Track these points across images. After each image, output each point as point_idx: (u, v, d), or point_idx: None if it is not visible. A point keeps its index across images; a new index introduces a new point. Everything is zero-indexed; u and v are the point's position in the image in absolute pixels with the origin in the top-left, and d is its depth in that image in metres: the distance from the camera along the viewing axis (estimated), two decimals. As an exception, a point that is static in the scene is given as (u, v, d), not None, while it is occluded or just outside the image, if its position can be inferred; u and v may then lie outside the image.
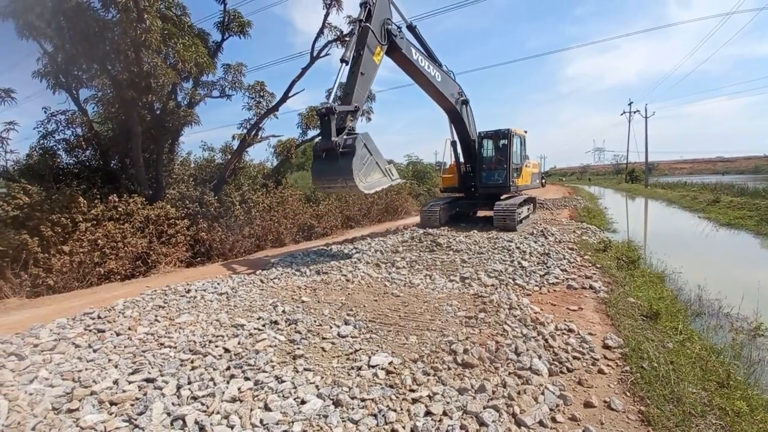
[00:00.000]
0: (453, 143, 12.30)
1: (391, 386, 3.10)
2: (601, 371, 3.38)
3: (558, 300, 5.27)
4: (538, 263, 7.01)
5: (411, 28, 9.92)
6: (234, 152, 12.27)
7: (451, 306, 4.86)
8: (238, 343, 4.02)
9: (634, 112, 46.35)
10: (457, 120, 11.51)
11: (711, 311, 5.71)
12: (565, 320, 4.44)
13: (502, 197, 12.08)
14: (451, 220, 12.26)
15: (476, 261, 7.20)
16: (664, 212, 20.60)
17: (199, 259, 9.02)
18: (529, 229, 10.73)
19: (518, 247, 8.10)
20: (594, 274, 6.37)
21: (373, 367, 3.39)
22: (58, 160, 9.59)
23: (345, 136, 7.08)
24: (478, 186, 12.19)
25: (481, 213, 13.36)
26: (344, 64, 7.54)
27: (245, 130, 12.55)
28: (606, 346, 3.86)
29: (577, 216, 14.52)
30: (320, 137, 7.38)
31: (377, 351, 3.70)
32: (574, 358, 3.60)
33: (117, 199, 8.10)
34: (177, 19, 11.01)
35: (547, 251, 7.74)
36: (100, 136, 10.21)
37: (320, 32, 12.58)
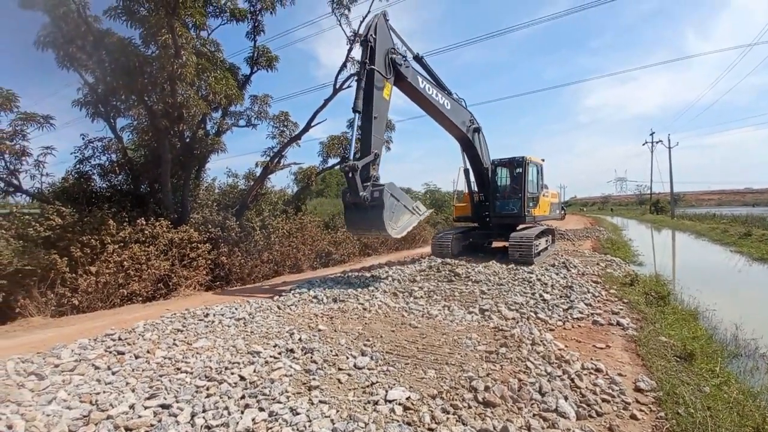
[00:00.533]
0: (466, 171, 12.13)
1: (408, 424, 2.98)
2: (633, 416, 3.17)
3: (583, 336, 5.05)
4: (560, 296, 6.78)
5: (418, 59, 9.97)
6: (257, 179, 12.64)
7: (470, 339, 4.71)
8: (254, 371, 3.98)
9: (657, 142, 45.71)
10: (469, 148, 11.39)
11: (747, 352, 5.33)
12: (591, 359, 4.23)
13: (518, 228, 11.80)
14: (464, 250, 11.83)
15: (496, 292, 7.03)
16: (693, 245, 19.79)
17: (218, 282, 9.13)
18: (549, 261, 10.45)
19: (539, 279, 7.89)
20: (621, 309, 6.10)
21: (390, 401, 3.28)
22: (92, 184, 10.08)
23: (372, 189, 7.43)
24: (491, 216, 11.83)
25: (496, 244, 12.89)
26: (357, 115, 7.73)
27: (268, 158, 12.96)
28: (638, 389, 3.64)
29: (600, 248, 14.11)
30: (348, 191, 7.66)
31: (394, 385, 3.59)
32: (604, 400, 3.39)
33: (144, 222, 8.38)
34: (210, 54, 11.73)
35: (569, 284, 7.50)
36: (132, 162, 10.73)
37: (343, 66, 13.10)
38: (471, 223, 12.87)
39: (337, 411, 3.18)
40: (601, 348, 4.61)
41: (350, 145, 8.04)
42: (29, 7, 8.72)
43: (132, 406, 3.31)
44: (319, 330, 5.24)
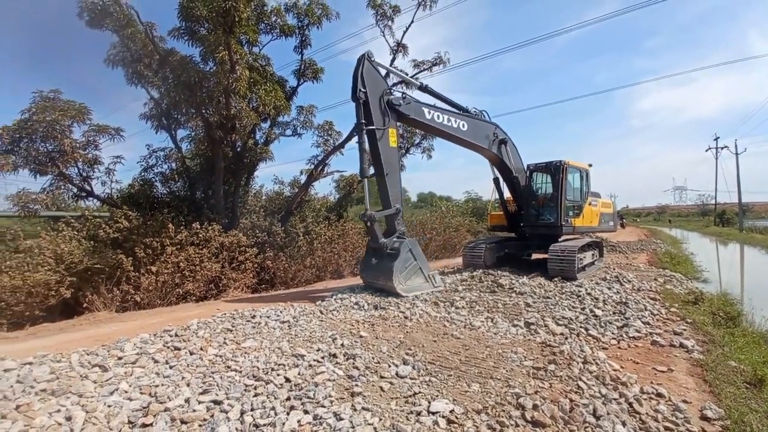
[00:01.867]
0: (495, 180, 11.42)
1: (452, 437, 2.91)
2: (701, 449, 2.89)
3: (641, 357, 4.69)
4: (614, 313, 6.36)
5: (423, 88, 9.61)
6: (301, 186, 13.10)
7: (516, 354, 4.54)
8: (299, 374, 4.08)
9: (722, 148, 41.90)
10: (498, 162, 10.69)
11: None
12: (652, 382, 3.92)
13: (559, 239, 11.08)
14: (498, 262, 11.10)
15: (542, 306, 6.72)
16: (766, 262, 17.84)
17: (263, 286, 9.52)
18: (600, 274, 9.84)
19: (589, 294, 7.45)
20: (684, 330, 5.61)
21: (433, 413, 3.22)
22: (155, 190, 10.95)
23: (394, 239, 7.66)
24: (526, 225, 11.01)
25: (536, 255, 11.83)
26: (366, 180, 7.79)
27: (312, 166, 13.40)
28: (704, 417, 3.32)
29: (657, 262, 13.09)
30: (370, 238, 7.99)
31: (437, 396, 3.53)
32: (666, 429, 3.13)
33: (199, 226, 8.94)
34: (261, 68, 12.39)
35: (624, 300, 7.02)
36: (190, 170, 11.53)
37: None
38: (507, 232, 12.15)
39: (380, 419, 3.18)
40: (663, 371, 4.26)
41: (365, 196, 7.82)
42: (96, 27, 9.58)
43: (187, 400, 3.50)
44: (361, 336, 5.28)
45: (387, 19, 12.85)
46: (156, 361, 4.50)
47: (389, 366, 4.23)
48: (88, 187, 9.27)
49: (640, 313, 6.29)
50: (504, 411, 3.27)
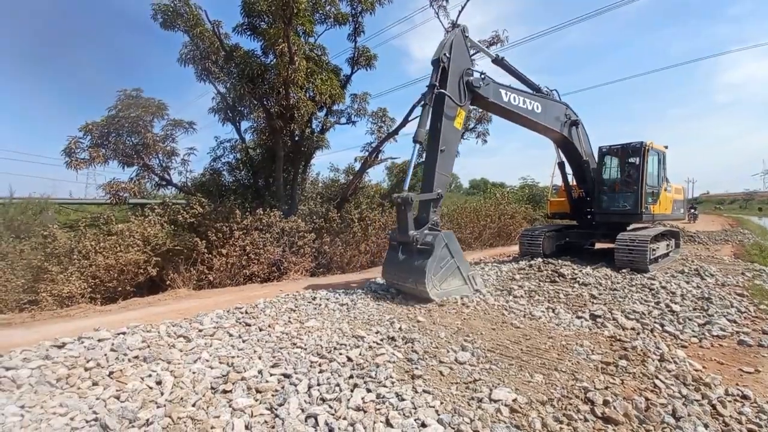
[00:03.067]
0: (560, 164, 10.69)
1: (517, 427, 2.88)
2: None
3: (726, 358, 4.27)
4: (694, 309, 5.82)
5: (498, 61, 9.03)
6: (356, 173, 13.36)
7: (582, 347, 4.34)
8: (359, 354, 4.24)
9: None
10: (566, 144, 9.98)
11: None
12: (737, 384, 3.57)
13: (628, 228, 10.21)
14: (558, 251, 10.54)
15: (609, 298, 6.33)
16: None
17: (321, 269, 9.94)
18: (677, 266, 9.00)
19: (664, 287, 6.87)
20: (779, 330, 4.99)
21: (495, 401, 3.20)
22: (222, 179, 11.79)
23: (426, 231, 6.53)
24: (597, 212, 10.20)
25: (600, 245, 11.15)
26: (417, 146, 6.88)
27: (367, 153, 13.57)
28: (796, 423, 2.97)
29: (744, 254, 11.66)
30: (396, 228, 6.75)
31: (498, 384, 3.49)
32: (750, 431, 2.85)
33: (261, 212, 9.50)
34: (317, 58, 12.68)
35: (706, 295, 6.38)
36: (252, 159, 12.25)
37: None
38: (569, 220, 11.46)
39: (441, 402, 3.22)
40: (749, 372, 3.85)
41: (407, 175, 7.09)
42: (169, 28, 10.33)
43: (260, 372, 3.80)
44: (418, 321, 5.35)
45: (441, 0, 12.47)
46: (231, 335, 4.92)
47: (448, 351, 4.25)
48: (167, 177, 10.23)
49: (725, 310, 5.69)
50: (571, 404, 3.16)
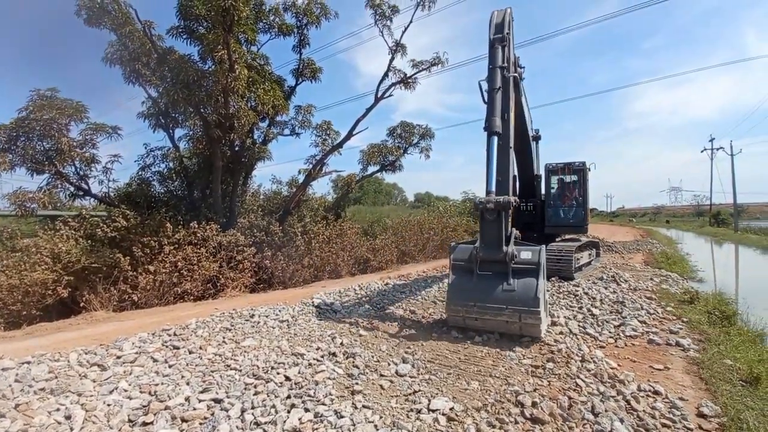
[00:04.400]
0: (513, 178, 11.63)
1: (453, 435, 2.94)
2: (698, 445, 2.93)
3: (638, 356, 4.74)
4: (611, 312, 6.42)
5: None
6: (299, 186, 13.10)
7: (514, 352, 4.57)
8: (299, 372, 4.09)
9: (717, 149, 42.14)
10: (525, 156, 10.38)
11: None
12: (649, 380, 3.97)
13: (557, 239, 11.17)
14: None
15: (540, 305, 6.78)
16: (759, 262, 18.02)
17: (261, 285, 9.50)
18: (597, 274, 9.92)
19: (586, 293, 7.52)
20: (680, 329, 5.66)
21: (433, 411, 3.25)
22: (152, 189, 10.90)
23: (522, 248, 5.15)
24: (547, 225, 10.99)
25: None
26: (496, 138, 5.73)
27: (311, 165, 13.40)
28: (701, 414, 3.36)
29: (653, 261, 13.19)
30: (481, 242, 5.30)
31: (437, 394, 3.55)
32: (664, 425, 3.17)
33: (197, 225, 8.91)
34: (260, 67, 12.38)
35: (620, 299, 7.08)
36: (187, 169, 11.51)
37: (385, 75, 13.34)
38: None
39: (381, 417, 3.19)
40: (659, 369, 4.31)
41: (489, 173, 5.56)
42: (94, 25, 9.50)
43: (188, 399, 3.50)
44: (360, 335, 5.30)
45: (386, 19, 12.87)
46: (155, 360, 4.50)
47: (389, 365, 4.25)
48: (85, 186, 9.22)
49: (637, 312, 6.35)
50: (503, 408, 3.30)
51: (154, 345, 4.92)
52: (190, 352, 4.67)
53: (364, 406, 3.34)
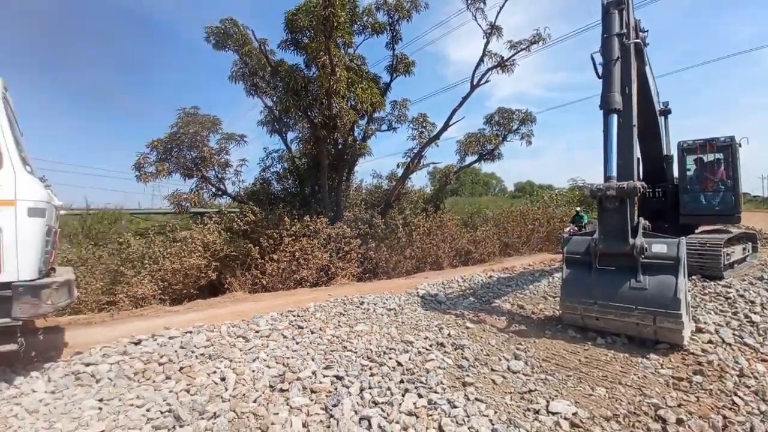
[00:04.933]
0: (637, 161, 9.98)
1: (578, 440, 2.76)
2: None
3: (822, 376, 3.79)
4: (779, 320, 5.22)
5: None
6: (398, 179, 13.46)
7: (648, 359, 4.05)
8: (409, 359, 4.26)
9: None
10: (653, 135, 8.87)
11: None
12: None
13: (696, 230, 9.21)
14: None
15: (677, 307, 5.86)
16: None
17: (367, 275, 10.09)
18: (755, 272, 8.12)
19: (742, 296, 6.24)
20: None
21: (553, 413, 3.08)
22: (271, 188, 12.37)
23: (653, 241, 4.57)
24: (681, 214, 9.21)
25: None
26: (615, 116, 5.11)
27: (409, 159, 13.63)
28: None
29: (843, 260, 10.27)
30: (601, 234, 4.82)
31: (556, 396, 3.36)
32: None
33: (309, 219, 9.84)
34: (357, 68, 12.98)
35: (794, 305, 5.71)
36: (299, 168, 12.76)
37: (480, 61, 12.81)
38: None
39: (495, 412, 3.16)
40: None
41: (608, 159, 4.97)
42: (221, 49, 11.03)
43: (314, 373, 3.93)
44: (467, 327, 5.27)
45: (478, 2, 12.31)
46: (285, 337, 5.13)
47: (500, 360, 4.16)
48: (222, 187, 10.93)
49: (819, 322, 5.05)
50: (640, 422, 2.96)
51: (282, 323, 5.62)
52: (312, 332, 5.22)
53: (476, 399, 3.34)
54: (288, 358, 4.36)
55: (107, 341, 5.27)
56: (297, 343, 4.82)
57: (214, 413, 3.22)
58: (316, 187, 12.41)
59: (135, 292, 7.59)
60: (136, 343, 4.96)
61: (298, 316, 5.96)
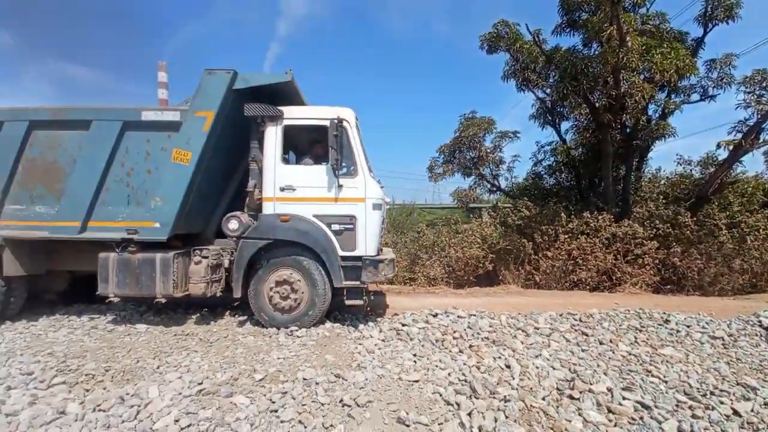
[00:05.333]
0: None
1: None
2: None
3: None
4: None
5: None
6: (720, 164, 9.99)
7: None
8: (752, 410, 3.21)
9: None
10: None
11: None
12: None
13: None
14: None
15: None
16: None
17: (668, 286, 8.15)
18: None
19: None
20: None
21: None
22: (543, 182, 12.01)
23: None
24: None
25: None
26: None
27: (739, 134, 9.86)
28: None
29: None
30: None
31: None
32: None
33: (588, 215, 8.92)
34: (654, 29, 10.49)
35: None
36: (574, 160, 11.72)
37: None
38: None
39: None
40: None
41: None
42: (493, 52, 11.32)
43: (610, 390, 3.60)
44: None
45: None
46: (567, 340, 4.95)
47: None
48: (497, 183, 11.58)
49: None
50: None
51: (563, 326, 5.43)
52: (601, 343, 4.78)
53: None
54: (574, 364, 4.20)
55: (413, 309, 6.70)
56: (583, 351, 4.56)
57: (504, 397, 3.49)
58: (596, 180, 11.03)
59: (428, 273, 9.28)
60: (434, 316, 6.07)
61: (581, 321, 5.60)
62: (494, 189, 11.71)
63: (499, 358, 4.55)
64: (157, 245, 5.38)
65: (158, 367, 4.22)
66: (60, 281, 6.46)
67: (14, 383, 3.70)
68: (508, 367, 4.25)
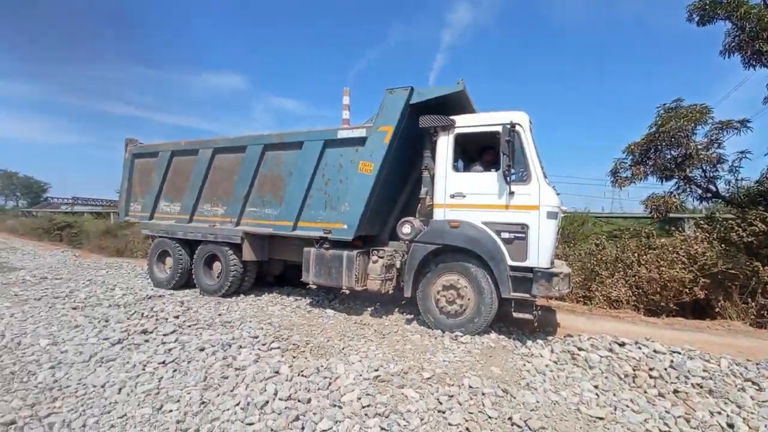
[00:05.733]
0: None
1: None
2: None
3: None
4: None
5: None
6: None
7: None
8: None
9: None
10: None
11: None
12: None
13: None
14: None
15: None
16: None
17: None
18: None
19: None
20: None
21: None
22: (795, 186, 8.71)
23: None
24: None
25: None
26: None
27: None
28: None
29: None
30: None
31: None
32: None
33: None
34: None
35: None
36: None
37: None
38: None
39: None
40: None
41: None
42: (707, 23, 9.05)
43: None
44: None
45: None
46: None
47: None
48: (712, 188, 9.03)
49: None
50: None
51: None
52: None
53: None
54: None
55: (590, 333, 5.92)
56: None
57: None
58: None
59: (609, 293, 7.95)
60: (620, 344, 5.24)
61: None
62: (707, 195, 9.13)
63: (719, 413, 3.65)
64: (344, 244, 6.34)
65: (343, 349, 4.98)
66: (276, 267, 8.35)
67: (244, 344, 4.96)
68: (731, 426, 3.38)
